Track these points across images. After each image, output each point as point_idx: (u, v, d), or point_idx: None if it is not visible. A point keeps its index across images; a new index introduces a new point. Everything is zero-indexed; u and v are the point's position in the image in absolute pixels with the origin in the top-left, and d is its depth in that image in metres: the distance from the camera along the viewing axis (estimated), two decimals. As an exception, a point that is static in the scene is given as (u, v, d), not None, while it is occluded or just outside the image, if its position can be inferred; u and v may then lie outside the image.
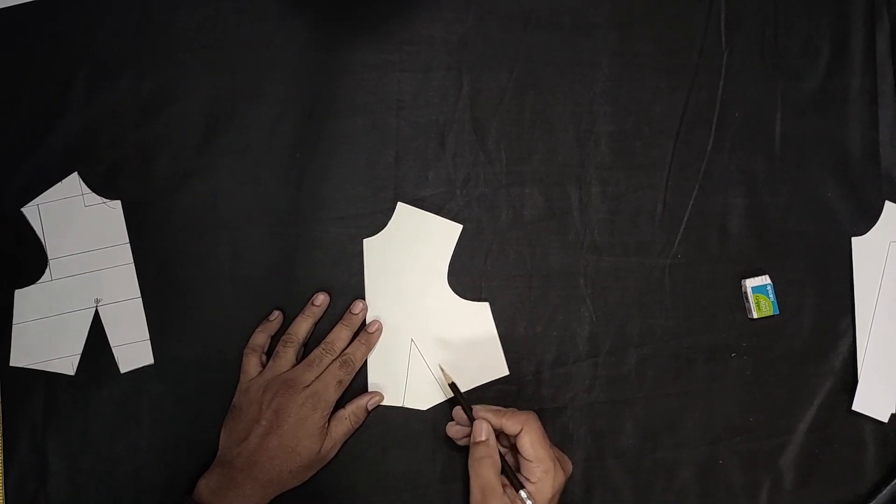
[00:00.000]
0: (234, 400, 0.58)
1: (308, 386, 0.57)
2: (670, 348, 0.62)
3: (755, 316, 0.61)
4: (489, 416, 0.55)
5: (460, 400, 0.57)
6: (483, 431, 0.55)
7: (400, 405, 0.61)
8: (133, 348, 0.60)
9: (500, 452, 0.55)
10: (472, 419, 0.56)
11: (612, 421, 0.61)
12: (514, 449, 0.55)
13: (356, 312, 0.60)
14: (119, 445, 0.60)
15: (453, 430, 0.58)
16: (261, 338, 0.60)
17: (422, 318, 0.61)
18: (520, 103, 0.63)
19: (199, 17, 0.63)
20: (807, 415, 0.62)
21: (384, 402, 0.60)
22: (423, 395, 0.61)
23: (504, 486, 0.53)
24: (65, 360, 0.60)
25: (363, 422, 0.59)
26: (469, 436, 0.56)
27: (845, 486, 0.62)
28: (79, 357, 0.60)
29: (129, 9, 0.62)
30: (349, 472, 0.60)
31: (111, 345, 0.60)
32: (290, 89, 0.62)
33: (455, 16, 0.63)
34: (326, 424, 0.57)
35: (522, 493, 0.53)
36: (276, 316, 0.60)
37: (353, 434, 0.59)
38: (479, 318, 0.61)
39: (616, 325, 0.62)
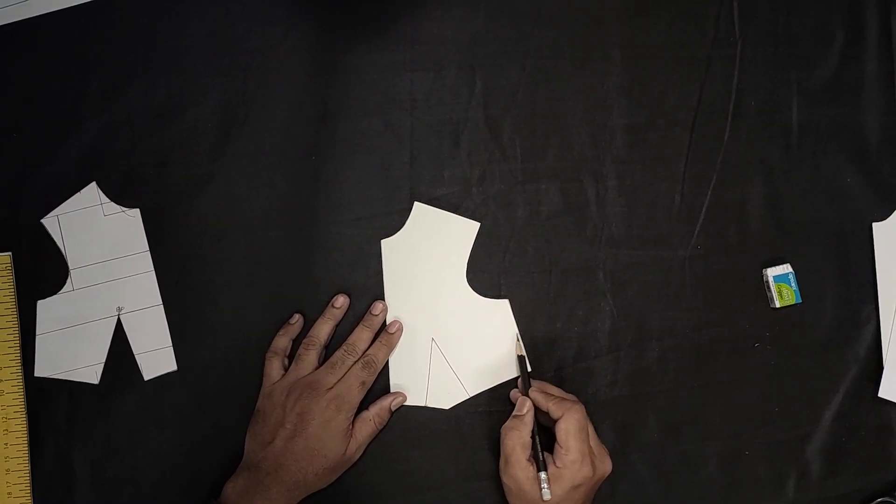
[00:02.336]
0: (258, 404, 0.58)
1: (331, 388, 0.57)
2: (692, 340, 0.61)
3: (777, 305, 0.61)
4: (539, 398, 0.56)
5: (523, 374, 0.58)
6: (524, 408, 0.56)
7: (422, 405, 0.60)
8: (156, 355, 0.60)
9: (535, 430, 0.56)
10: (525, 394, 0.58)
11: (635, 415, 0.61)
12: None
13: (376, 313, 0.60)
14: (143, 452, 0.60)
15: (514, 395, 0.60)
16: (282, 341, 0.60)
17: (442, 318, 0.61)
18: (533, 99, 0.63)
19: (209, 23, 0.63)
20: (832, 403, 0.61)
21: (407, 403, 0.60)
22: (445, 394, 0.61)
23: (530, 459, 0.55)
24: (88, 369, 0.60)
25: (387, 423, 0.59)
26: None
27: (873, 474, 0.61)
28: (102, 366, 0.60)
29: (140, 17, 0.62)
30: (373, 472, 0.60)
31: (134, 352, 0.60)
32: (302, 92, 0.62)
33: (465, 14, 0.63)
34: (351, 426, 0.57)
35: (542, 475, 0.54)
36: (297, 319, 0.60)
37: (377, 435, 0.59)
38: (499, 316, 0.61)
39: (637, 319, 0.62)
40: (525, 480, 0.54)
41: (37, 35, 0.62)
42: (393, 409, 0.60)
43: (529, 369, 0.60)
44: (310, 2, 0.63)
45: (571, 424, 0.54)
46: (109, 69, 0.62)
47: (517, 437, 0.55)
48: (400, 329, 0.61)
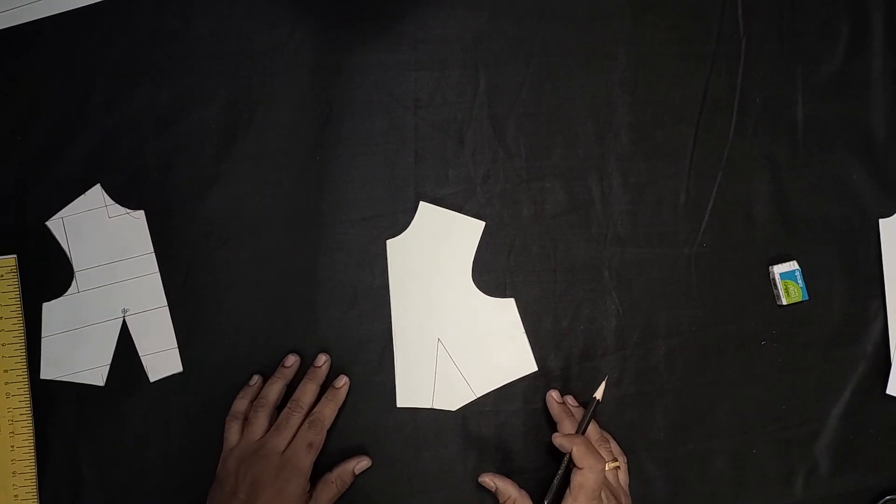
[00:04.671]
0: (217, 470, 0.57)
1: (283, 452, 0.56)
2: (699, 338, 0.61)
3: (784, 302, 0.61)
4: (565, 443, 0.55)
5: (586, 415, 0.57)
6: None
7: (429, 406, 0.60)
8: (161, 357, 0.60)
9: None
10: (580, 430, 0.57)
11: (643, 413, 0.61)
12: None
13: (319, 365, 0.59)
14: (150, 454, 0.60)
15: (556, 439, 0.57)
16: (241, 404, 0.58)
17: (448, 317, 0.61)
18: (537, 98, 0.62)
19: (213, 24, 0.63)
20: (840, 400, 0.61)
21: (414, 405, 0.60)
22: (451, 395, 0.60)
23: None
24: (94, 371, 0.60)
25: (350, 486, 0.58)
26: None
27: (882, 472, 0.61)
28: (108, 368, 0.60)
29: (144, 19, 0.62)
30: (380, 473, 0.60)
31: (140, 354, 0.60)
32: (306, 93, 0.62)
33: (469, 13, 0.63)
34: (308, 489, 0.56)
35: None
36: (256, 381, 0.60)
37: (339, 497, 0.58)
38: (505, 315, 0.61)
39: (643, 317, 0.61)
40: None
41: (42, 38, 0.62)
42: (357, 472, 0.58)
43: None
44: (313, 2, 0.63)
45: (588, 480, 0.53)
46: (114, 71, 0.62)
47: None
48: (346, 384, 0.59)
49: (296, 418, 0.57)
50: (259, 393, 0.59)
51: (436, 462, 0.60)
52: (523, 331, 0.61)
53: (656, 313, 0.61)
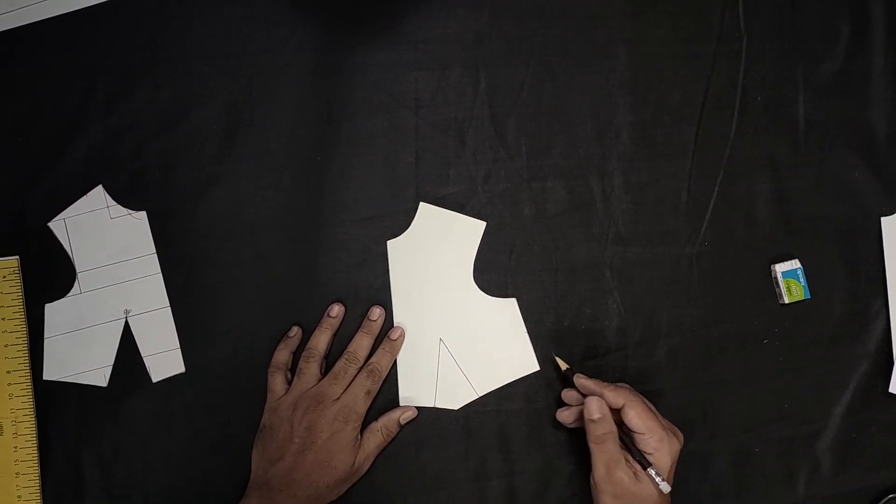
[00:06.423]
0: (263, 420, 0.58)
1: (337, 399, 0.57)
2: (700, 337, 0.61)
3: (786, 301, 0.61)
4: (591, 385, 0.56)
5: (568, 382, 0.58)
6: (596, 409, 0.54)
7: (431, 405, 0.60)
8: (164, 357, 0.60)
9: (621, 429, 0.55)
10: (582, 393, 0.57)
11: (645, 413, 0.61)
12: (620, 425, 0.55)
13: (374, 319, 0.60)
14: (153, 454, 0.60)
15: (564, 414, 0.58)
16: (283, 355, 0.60)
17: (449, 318, 0.61)
18: (538, 97, 0.62)
19: (214, 24, 0.63)
20: (842, 399, 0.61)
21: (416, 403, 0.60)
22: (453, 394, 0.60)
23: (626, 458, 0.54)
24: (97, 371, 0.60)
25: (395, 436, 0.59)
26: (578, 419, 0.57)
27: (884, 470, 0.61)
28: (110, 368, 0.60)
29: (145, 21, 0.63)
30: (382, 472, 0.60)
31: (142, 355, 0.60)
32: (306, 93, 0.62)
33: (469, 12, 0.63)
34: (359, 436, 0.57)
35: (651, 471, 0.53)
36: (296, 332, 0.60)
37: (385, 447, 0.59)
38: (506, 315, 0.61)
39: (644, 317, 0.61)
40: (631, 482, 0.53)
41: (42, 39, 0.62)
42: (402, 422, 0.59)
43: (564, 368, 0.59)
44: (314, 3, 0.63)
45: (638, 407, 0.54)
46: (115, 72, 0.62)
47: (612, 440, 0.53)
48: (402, 335, 0.60)
49: (352, 369, 0.58)
50: (297, 343, 0.60)
51: (437, 461, 0.60)
52: (525, 330, 0.61)
53: (658, 312, 0.61)
